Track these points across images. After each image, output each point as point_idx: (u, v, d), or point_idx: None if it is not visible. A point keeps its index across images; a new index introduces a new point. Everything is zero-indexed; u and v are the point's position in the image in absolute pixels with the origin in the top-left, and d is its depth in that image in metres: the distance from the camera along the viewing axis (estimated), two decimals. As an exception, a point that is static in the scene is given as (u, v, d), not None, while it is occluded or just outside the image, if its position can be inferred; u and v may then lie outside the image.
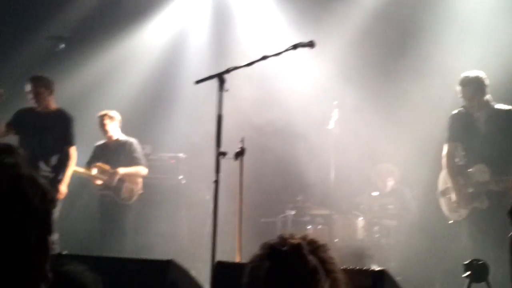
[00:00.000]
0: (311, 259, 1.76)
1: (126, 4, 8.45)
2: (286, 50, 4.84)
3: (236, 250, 4.80)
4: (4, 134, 6.54)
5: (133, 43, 8.66)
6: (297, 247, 1.77)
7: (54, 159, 6.53)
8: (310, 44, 4.84)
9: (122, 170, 7.17)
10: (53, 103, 6.62)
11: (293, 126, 7.80)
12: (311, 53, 5.17)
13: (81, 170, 7.04)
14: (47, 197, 1.07)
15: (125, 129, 7.43)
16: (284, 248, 1.77)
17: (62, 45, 7.48)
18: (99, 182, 7.17)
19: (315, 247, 1.81)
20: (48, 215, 1.06)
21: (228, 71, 4.70)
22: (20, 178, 1.02)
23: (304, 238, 1.82)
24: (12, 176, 1.01)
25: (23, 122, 6.59)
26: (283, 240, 1.80)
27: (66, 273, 1.62)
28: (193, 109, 8.07)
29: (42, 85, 6.51)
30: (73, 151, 6.60)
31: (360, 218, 7.13)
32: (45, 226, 1.06)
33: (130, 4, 8.46)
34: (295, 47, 4.83)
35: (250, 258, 1.84)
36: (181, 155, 8.09)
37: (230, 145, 4.65)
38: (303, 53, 5.12)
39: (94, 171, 7.17)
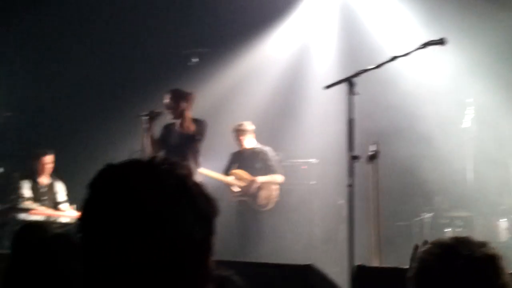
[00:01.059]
0: (506, 274, 1.68)
1: (254, 15, 8.61)
2: (417, 49, 4.72)
3: (370, 254, 4.75)
4: (156, 151, 6.33)
5: (262, 51, 8.81)
6: (492, 258, 1.70)
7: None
8: (441, 42, 4.69)
9: (260, 179, 7.28)
10: (190, 114, 6.53)
11: (422, 126, 7.56)
12: (437, 51, 4.99)
13: (219, 176, 7.25)
14: (211, 203, 1.16)
15: (257, 136, 7.58)
16: (476, 255, 1.70)
17: (195, 59, 7.75)
18: (236, 189, 7.35)
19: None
20: (211, 218, 1.14)
21: (357, 74, 4.67)
22: (187, 180, 1.13)
23: (482, 245, 1.73)
24: (180, 178, 1.12)
25: (167, 137, 6.57)
26: (465, 244, 1.73)
27: (217, 277, 1.68)
28: (322, 114, 8.08)
29: (180, 97, 6.48)
30: None
31: (503, 220, 6.78)
32: (209, 227, 1.14)
33: (258, 14, 8.62)
34: (425, 45, 4.70)
35: (420, 255, 1.78)
36: (312, 160, 8.14)
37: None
38: (428, 51, 4.91)
39: (232, 178, 7.38)
